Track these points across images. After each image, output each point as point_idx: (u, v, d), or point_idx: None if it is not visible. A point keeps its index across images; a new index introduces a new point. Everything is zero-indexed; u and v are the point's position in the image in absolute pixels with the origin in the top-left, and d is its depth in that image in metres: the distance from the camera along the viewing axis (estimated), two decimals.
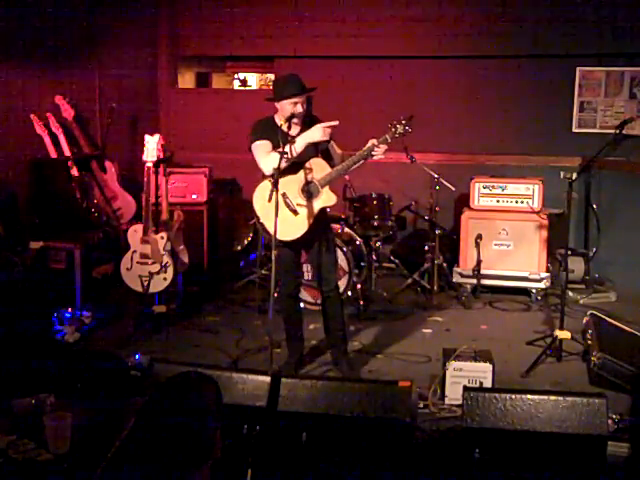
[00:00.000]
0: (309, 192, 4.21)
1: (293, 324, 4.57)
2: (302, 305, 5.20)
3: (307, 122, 4.24)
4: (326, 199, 4.25)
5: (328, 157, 4.33)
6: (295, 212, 4.18)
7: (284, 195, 4.14)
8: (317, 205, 4.24)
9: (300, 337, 4.61)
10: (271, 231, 3.96)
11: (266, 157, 4.11)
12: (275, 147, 4.10)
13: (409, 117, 4.20)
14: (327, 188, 4.23)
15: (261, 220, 4.20)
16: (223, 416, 1.69)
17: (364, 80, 7.22)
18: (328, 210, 4.50)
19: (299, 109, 4.13)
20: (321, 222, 4.32)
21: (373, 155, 4.18)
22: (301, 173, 4.20)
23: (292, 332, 4.56)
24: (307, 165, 4.20)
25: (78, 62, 6.67)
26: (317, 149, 4.26)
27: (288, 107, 4.13)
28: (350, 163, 4.21)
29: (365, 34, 7.16)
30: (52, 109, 6.17)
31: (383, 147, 4.15)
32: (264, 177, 4.18)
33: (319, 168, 4.23)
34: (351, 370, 4.49)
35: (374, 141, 4.16)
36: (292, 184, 4.18)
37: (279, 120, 4.20)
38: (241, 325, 5.44)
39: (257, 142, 4.20)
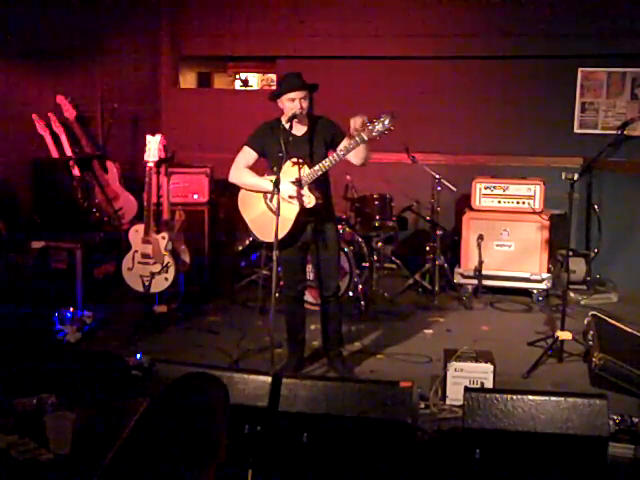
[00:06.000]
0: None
1: (295, 325, 4.55)
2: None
3: (314, 121, 4.24)
4: (306, 201, 4.09)
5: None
6: (275, 213, 3.95)
7: (264, 197, 4.21)
8: (294, 207, 4.12)
9: (302, 338, 4.60)
10: (261, 239, 4.18)
11: (240, 169, 4.24)
12: (274, 149, 4.09)
13: (391, 115, 3.82)
14: (306, 188, 4.08)
15: (251, 229, 4.29)
16: (229, 418, 1.68)
17: (364, 80, 7.22)
18: (332, 210, 4.43)
19: (297, 105, 4.08)
20: (319, 221, 4.24)
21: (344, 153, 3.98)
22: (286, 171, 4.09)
23: (294, 333, 4.55)
24: (285, 167, 4.05)
25: (80, 62, 6.67)
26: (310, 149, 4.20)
27: (288, 104, 4.11)
28: (335, 160, 4.01)
29: (366, 34, 7.16)
30: (54, 109, 6.17)
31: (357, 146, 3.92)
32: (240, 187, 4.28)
33: (291, 172, 4.08)
34: (346, 371, 4.48)
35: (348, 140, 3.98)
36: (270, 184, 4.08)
37: (283, 120, 4.17)
38: (242, 325, 5.43)
39: (246, 147, 4.28)
